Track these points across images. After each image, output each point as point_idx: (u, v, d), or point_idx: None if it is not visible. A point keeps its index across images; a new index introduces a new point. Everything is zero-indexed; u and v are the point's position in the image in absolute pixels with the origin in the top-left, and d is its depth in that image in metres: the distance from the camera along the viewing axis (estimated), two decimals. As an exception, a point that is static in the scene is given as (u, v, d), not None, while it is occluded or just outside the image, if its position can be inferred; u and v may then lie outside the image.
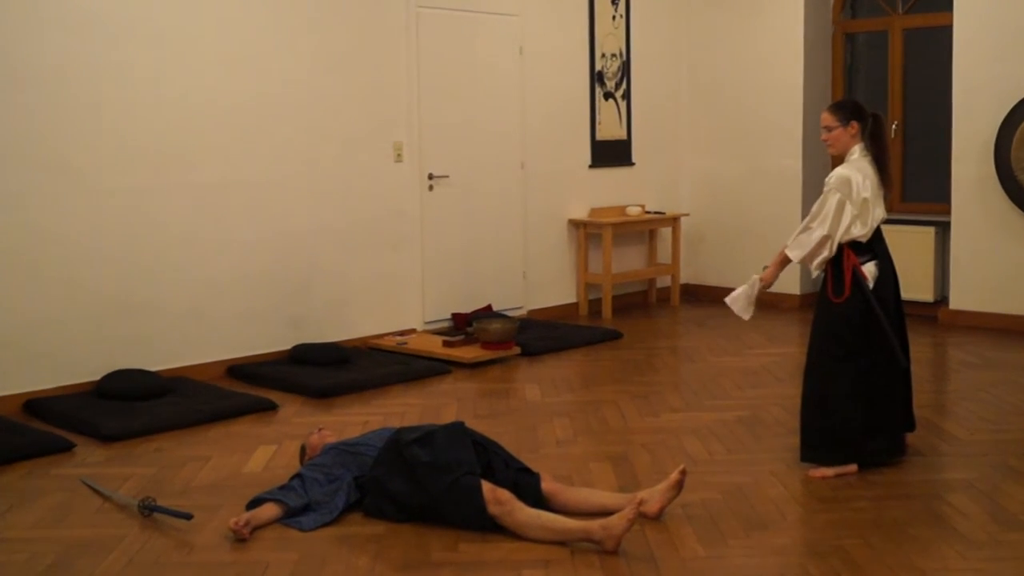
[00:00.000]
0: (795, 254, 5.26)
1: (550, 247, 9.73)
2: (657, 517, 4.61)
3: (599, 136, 10.07)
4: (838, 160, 5.43)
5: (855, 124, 5.28)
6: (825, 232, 5.15)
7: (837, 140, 5.31)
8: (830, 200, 5.16)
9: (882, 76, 10.01)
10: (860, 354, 5.22)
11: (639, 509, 4.34)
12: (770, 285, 5.42)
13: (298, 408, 6.71)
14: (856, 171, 5.20)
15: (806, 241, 5.22)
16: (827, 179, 5.24)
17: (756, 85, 10.27)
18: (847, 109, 5.31)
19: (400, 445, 4.71)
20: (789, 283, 9.84)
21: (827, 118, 5.32)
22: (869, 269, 5.22)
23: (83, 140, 6.87)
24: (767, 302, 10.04)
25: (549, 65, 9.58)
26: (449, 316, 8.88)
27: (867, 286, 5.19)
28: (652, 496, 4.63)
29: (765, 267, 5.43)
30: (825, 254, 5.19)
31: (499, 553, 4.31)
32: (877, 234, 5.27)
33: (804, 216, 5.73)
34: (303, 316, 7.99)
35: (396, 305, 8.59)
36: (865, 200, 5.15)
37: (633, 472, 5.32)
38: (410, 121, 8.54)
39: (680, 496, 4.71)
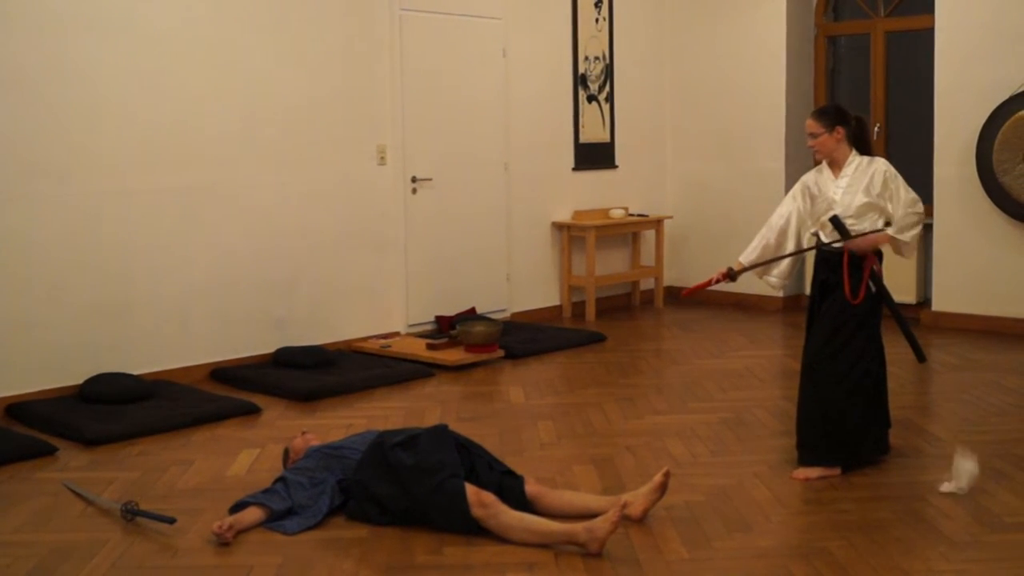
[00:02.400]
0: (908, 235, 5.33)
1: (534, 250, 9.73)
2: (641, 519, 4.61)
3: (582, 139, 10.08)
4: (819, 162, 5.48)
5: (840, 129, 5.31)
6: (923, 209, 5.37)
7: (823, 146, 5.34)
8: (907, 186, 5.33)
9: (864, 79, 10.05)
10: (864, 354, 5.27)
11: (623, 511, 4.34)
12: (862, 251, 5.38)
13: (281, 411, 6.69)
14: None
15: (915, 223, 5.32)
16: (883, 166, 5.32)
17: (739, 88, 10.30)
18: (831, 115, 5.34)
19: (384, 448, 4.71)
20: (772, 285, 9.84)
21: (812, 125, 5.34)
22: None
23: (65, 143, 6.85)
24: (750, 305, 10.08)
25: (532, 68, 9.59)
26: (433, 319, 8.87)
27: (884, 286, 5.28)
28: (636, 498, 4.63)
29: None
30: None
31: (483, 556, 4.31)
32: None
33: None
34: (287, 319, 7.97)
35: (380, 308, 8.58)
36: None
37: (617, 474, 5.32)
38: (394, 124, 8.53)
39: (664, 498, 4.72)
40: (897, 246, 5.37)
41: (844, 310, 5.26)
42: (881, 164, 5.32)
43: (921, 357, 5.51)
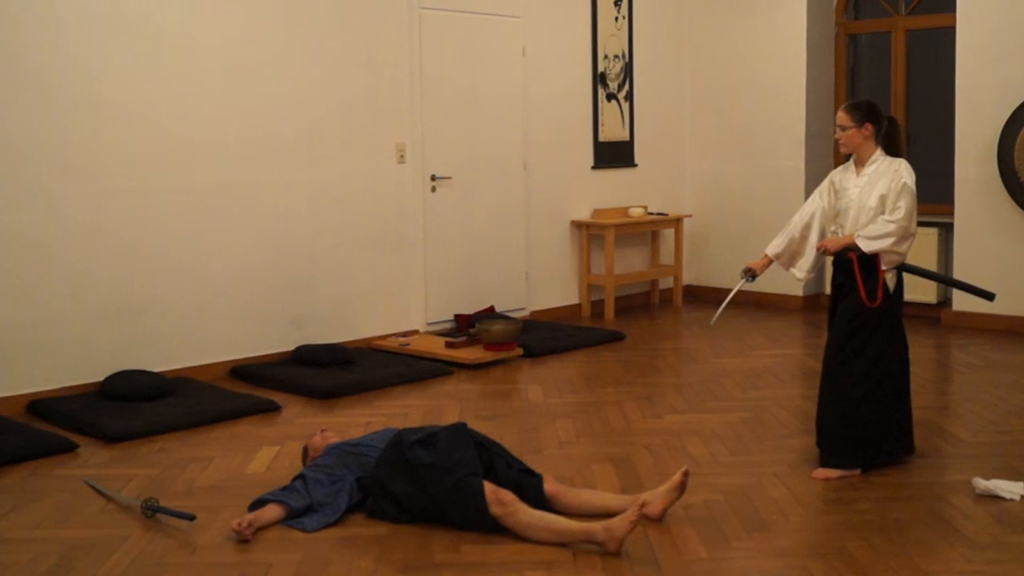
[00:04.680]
0: (875, 246, 5.17)
1: (553, 248, 9.73)
2: (659, 518, 4.61)
3: (602, 137, 10.07)
4: (843, 159, 5.47)
5: (869, 126, 5.29)
6: (909, 228, 5.16)
7: (850, 140, 5.32)
8: (909, 199, 5.16)
9: (885, 77, 10.01)
10: (883, 356, 5.25)
11: (641, 511, 4.34)
12: (830, 252, 5.39)
13: (301, 409, 6.71)
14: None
15: (884, 232, 5.15)
16: (903, 174, 5.20)
17: (759, 86, 10.27)
18: (862, 110, 5.32)
19: (402, 446, 4.71)
20: (791, 284, 9.83)
21: (843, 118, 5.33)
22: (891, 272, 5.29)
23: (85, 141, 6.88)
24: (770, 303, 10.06)
25: (552, 66, 9.58)
26: (452, 317, 8.88)
27: (909, 267, 5.28)
28: (654, 497, 4.63)
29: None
30: (905, 246, 5.19)
31: (501, 554, 4.31)
32: None
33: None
34: (306, 317, 7.99)
35: (399, 306, 8.59)
36: None
37: (635, 473, 5.32)
38: (413, 122, 8.55)
39: (683, 497, 4.71)
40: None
41: (860, 312, 5.25)
42: (902, 170, 5.23)
43: (989, 296, 5.52)
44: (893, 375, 5.30)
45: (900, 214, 5.15)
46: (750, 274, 5.57)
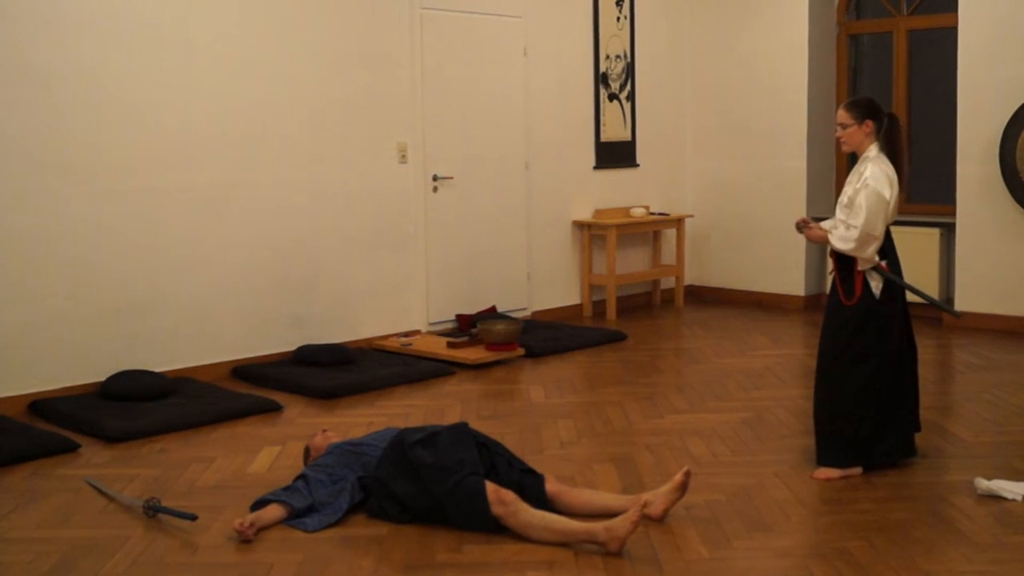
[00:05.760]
0: (840, 247, 5.18)
1: (554, 248, 9.73)
2: (661, 519, 4.61)
3: (603, 137, 10.07)
4: (844, 159, 5.45)
5: (870, 123, 5.28)
6: (871, 232, 5.10)
7: (851, 138, 5.31)
8: (873, 199, 5.11)
9: (886, 77, 10.00)
10: (870, 356, 5.22)
11: (643, 511, 4.34)
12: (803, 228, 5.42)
13: (302, 409, 6.71)
14: (891, 170, 5.21)
15: (848, 237, 5.15)
16: (865, 176, 5.15)
17: (760, 86, 10.27)
18: (862, 107, 5.31)
19: (404, 446, 4.71)
20: (793, 284, 9.84)
21: (843, 115, 5.32)
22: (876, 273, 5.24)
23: (87, 141, 6.88)
24: (770, 303, 10.06)
25: (553, 66, 9.58)
26: (453, 317, 8.88)
27: (891, 277, 5.22)
28: (656, 498, 4.63)
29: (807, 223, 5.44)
30: (870, 251, 5.15)
31: (503, 554, 4.31)
32: (886, 234, 5.28)
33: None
34: (307, 317, 7.99)
35: (400, 306, 8.59)
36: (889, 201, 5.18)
37: (637, 473, 5.32)
38: (414, 122, 8.55)
39: (684, 498, 4.71)
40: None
41: (840, 311, 5.26)
42: (869, 170, 5.17)
43: (956, 314, 5.58)
44: (885, 377, 5.26)
45: (859, 219, 5.10)
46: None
